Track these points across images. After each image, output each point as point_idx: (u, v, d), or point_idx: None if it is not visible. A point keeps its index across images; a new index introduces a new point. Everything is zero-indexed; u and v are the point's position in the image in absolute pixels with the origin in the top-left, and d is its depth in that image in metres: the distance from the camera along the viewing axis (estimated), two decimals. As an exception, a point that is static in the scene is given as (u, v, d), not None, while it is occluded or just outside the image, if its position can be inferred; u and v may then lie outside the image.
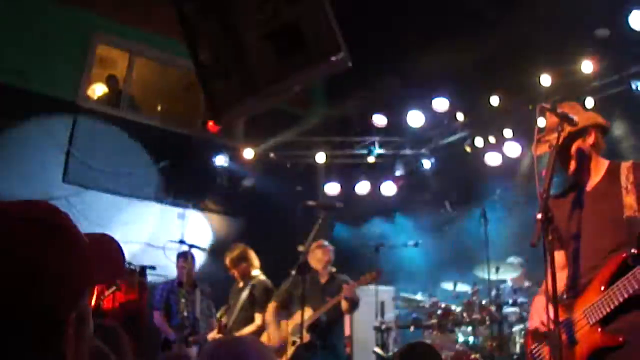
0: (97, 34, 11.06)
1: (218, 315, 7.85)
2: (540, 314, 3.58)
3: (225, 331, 7.60)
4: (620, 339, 3.42)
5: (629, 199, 3.63)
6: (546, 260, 3.41)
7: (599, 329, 3.49)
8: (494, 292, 8.14)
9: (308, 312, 6.88)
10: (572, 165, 3.82)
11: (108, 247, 1.50)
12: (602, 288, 3.51)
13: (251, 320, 7.63)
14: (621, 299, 3.42)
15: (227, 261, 7.91)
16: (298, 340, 6.82)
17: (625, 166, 3.75)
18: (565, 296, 3.81)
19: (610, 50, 8.56)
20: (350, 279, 7.35)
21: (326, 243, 7.57)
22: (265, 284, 7.81)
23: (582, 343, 3.54)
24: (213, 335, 7.74)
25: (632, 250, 3.51)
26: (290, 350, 7.15)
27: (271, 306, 7.54)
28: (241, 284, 7.90)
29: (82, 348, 1.43)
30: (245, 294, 7.72)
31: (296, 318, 7.08)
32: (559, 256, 3.71)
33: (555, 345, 3.32)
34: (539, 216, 3.47)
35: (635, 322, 3.44)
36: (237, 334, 7.44)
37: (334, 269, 7.54)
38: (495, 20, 8.54)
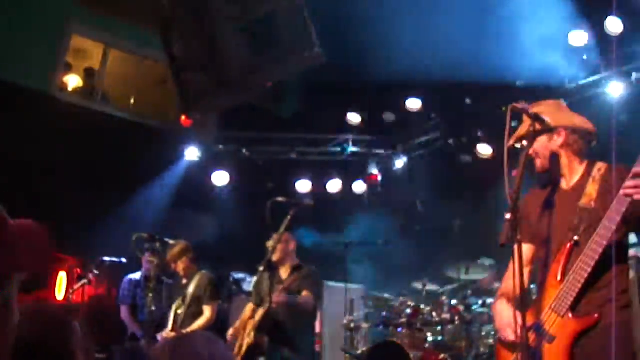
0: (71, 24, 10.92)
1: (174, 307, 7.78)
2: (510, 323, 3.54)
3: (176, 327, 7.58)
4: (596, 315, 3.47)
5: (591, 188, 3.68)
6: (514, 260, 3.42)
7: (571, 315, 3.52)
8: (463, 293, 8.19)
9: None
10: (538, 163, 3.86)
11: (35, 235, 1.47)
12: (559, 278, 3.57)
13: (200, 314, 7.63)
14: (582, 280, 3.46)
15: (168, 257, 7.85)
16: (250, 341, 6.82)
17: (600, 164, 3.78)
18: (536, 291, 3.84)
19: (586, 53, 8.67)
20: (317, 270, 7.31)
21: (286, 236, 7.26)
22: (208, 276, 7.80)
23: (560, 337, 3.52)
24: (167, 331, 7.65)
25: (575, 238, 3.59)
26: (242, 351, 7.02)
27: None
28: (185, 281, 7.86)
29: (6, 335, 1.40)
30: (191, 290, 7.70)
31: (255, 317, 7.05)
32: (527, 251, 3.74)
33: (524, 351, 3.32)
34: (508, 216, 3.48)
35: (600, 301, 3.51)
36: (189, 328, 7.42)
37: (297, 261, 7.34)
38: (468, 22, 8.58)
